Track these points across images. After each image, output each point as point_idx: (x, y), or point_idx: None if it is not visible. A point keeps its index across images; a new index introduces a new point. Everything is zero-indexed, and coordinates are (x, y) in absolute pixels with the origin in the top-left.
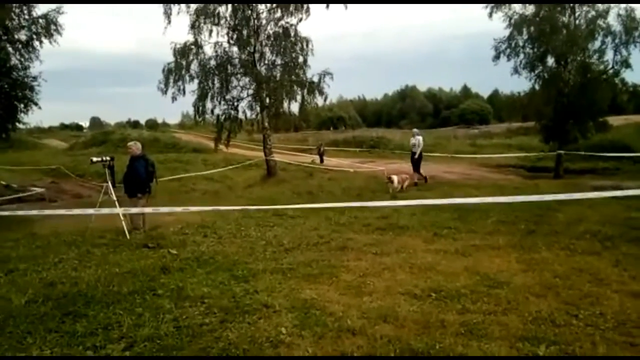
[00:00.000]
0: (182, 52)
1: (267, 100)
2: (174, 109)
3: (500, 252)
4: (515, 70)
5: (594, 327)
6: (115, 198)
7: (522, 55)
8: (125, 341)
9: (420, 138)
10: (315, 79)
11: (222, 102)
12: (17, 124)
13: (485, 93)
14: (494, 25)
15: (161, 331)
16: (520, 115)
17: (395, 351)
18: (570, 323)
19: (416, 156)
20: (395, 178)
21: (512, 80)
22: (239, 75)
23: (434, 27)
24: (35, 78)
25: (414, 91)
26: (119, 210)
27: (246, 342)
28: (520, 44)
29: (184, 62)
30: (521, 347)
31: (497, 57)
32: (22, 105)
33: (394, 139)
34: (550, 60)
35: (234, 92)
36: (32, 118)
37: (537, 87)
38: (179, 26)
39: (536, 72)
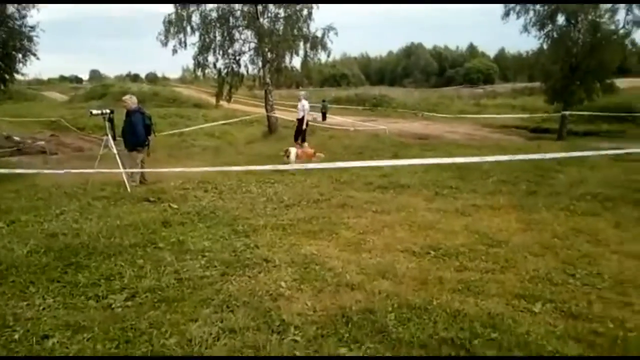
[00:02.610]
0: (183, 3)
1: (269, 54)
2: (174, 63)
3: (500, 212)
4: (525, 29)
5: (590, 286)
6: (115, 151)
7: (532, 13)
8: (127, 292)
9: (305, 103)
10: (319, 34)
11: (224, 56)
12: (15, 74)
13: (491, 52)
14: None
15: (162, 283)
16: (526, 75)
17: (393, 306)
18: (567, 282)
19: (304, 125)
20: (292, 151)
21: (519, 39)
22: (240, 28)
23: None
24: (32, 28)
25: (419, 49)
26: (122, 170)
27: (246, 294)
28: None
29: (184, 13)
30: (517, 304)
31: (506, 15)
32: (20, 56)
33: (397, 98)
34: (561, 19)
35: (236, 46)
36: (31, 69)
37: (545, 46)
38: None
39: (545, 30)
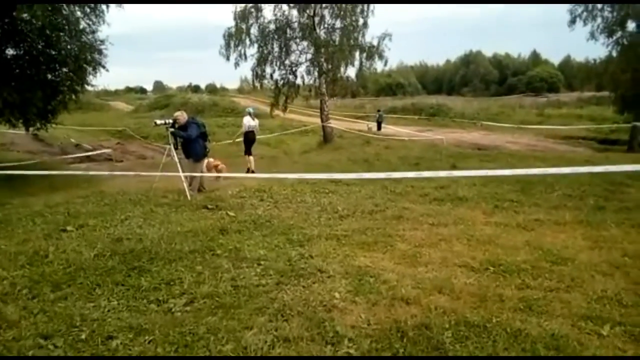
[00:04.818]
0: (242, 16)
1: (325, 65)
2: (233, 74)
3: (565, 227)
4: (592, 36)
5: None
6: (177, 160)
7: (599, 20)
8: (186, 297)
9: (247, 119)
10: (375, 43)
11: (281, 67)
12: (85, 86)
13: (556, 59)
14: None
15: (220, 289)
16: (593, 84)
17: (450, 322)
18: (638, 304)
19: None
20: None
21: (587, 46)
22: (297, 40)
23: None
24: (102, 41)
25: (478, 57)
26: (181, 174)
27: (301, 304)
28: (599, 7)
29: (244, 26)
30: (583, 326)
31: (572, 22)
32: (90, 68)
33: (454, 107)
34: (631, 25)
35: (293, 57)
36: (100, 81)
37: (614, 53)
38: None
39: (614, 37)
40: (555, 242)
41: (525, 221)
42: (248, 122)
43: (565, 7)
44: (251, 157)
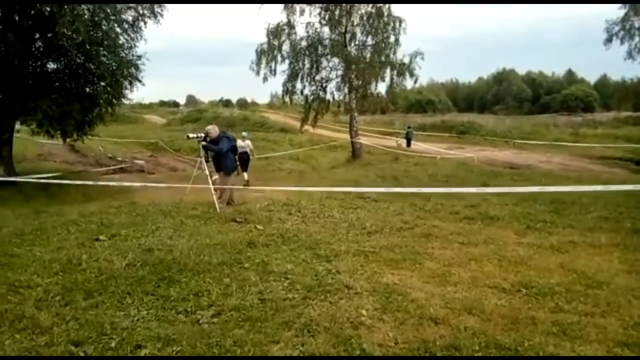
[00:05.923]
0: (275, 33)
1: (356, 81)
2: (263, 89)
3: (600, 250)
4: (629, 55)
5: None
6: (208, 172)
7: (637, 39)
8: (214, 309)
9: (240, 141)
10: (406, 60)
11: (311, 83)
12: (121, 99)
13: (591, 78)
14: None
15: (247, 302)
16: (631, 104)
17: (480, 344)
18: None
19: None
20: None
21: (624, 66)
22: (328, 56)
23: (533, 6)
24: (139, 57)
25: (511, 75)
26: (211, 185)
27: (327, 320)
28: (636, 25)
29: (276, 43)
30: (619, 352)
31: (609, 40)
32: (127, 82)
33: (486, 125)
34: None
35: (323, 73)
36: (135, 94)
37: None
38: (272, 8)
39: None
40: (590, 265)
41: (559, 243)
42: (240, 144)
43: (601, 26)
44: (244, 173)
